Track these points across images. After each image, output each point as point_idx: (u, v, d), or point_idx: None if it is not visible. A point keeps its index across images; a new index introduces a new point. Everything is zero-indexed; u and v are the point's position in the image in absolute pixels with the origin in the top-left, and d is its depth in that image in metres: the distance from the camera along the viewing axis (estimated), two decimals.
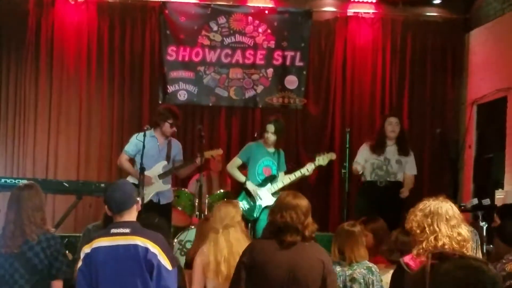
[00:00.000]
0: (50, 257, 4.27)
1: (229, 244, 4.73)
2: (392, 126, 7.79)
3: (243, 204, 7.40)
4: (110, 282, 3.91)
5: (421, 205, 3.53)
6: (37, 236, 4.28)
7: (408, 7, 9.78)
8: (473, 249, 4.07)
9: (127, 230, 3.96)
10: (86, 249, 3.96)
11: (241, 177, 7.60)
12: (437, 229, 3.38)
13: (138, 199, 4.13)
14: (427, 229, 3.40)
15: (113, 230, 3.99)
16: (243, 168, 7.69)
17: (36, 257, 4.25)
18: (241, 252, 4.81)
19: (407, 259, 3.45)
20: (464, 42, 9.78)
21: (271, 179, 7.49)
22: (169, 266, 3.91)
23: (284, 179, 7.52)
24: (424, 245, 3.38)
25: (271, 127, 7.50)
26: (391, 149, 7.79)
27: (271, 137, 7.48)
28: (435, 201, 3.50)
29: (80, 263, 3.96)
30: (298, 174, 7.54)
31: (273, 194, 7.32)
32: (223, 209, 4.94)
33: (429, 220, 3.42)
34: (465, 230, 3.40)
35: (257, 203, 7.40)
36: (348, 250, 4.76)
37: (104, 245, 3.94)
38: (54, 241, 4.33)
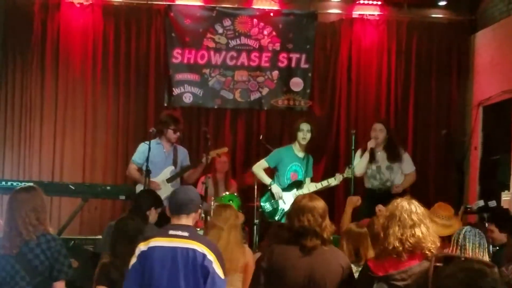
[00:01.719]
0: (51, 259, 4.28)
1: (228, 242, 4.92)
2: (375, 132, 7.80)
3: (265, 206, 7.42)
4: (163, 282, 3.94)
5: (386, 208, 3.53)
6: (36, 236, 4.28)
7: (413, 9, 9.78)
8: (474, 251, 4.05)
9: (186, 234, 4.00)
10: (142, 247, 3.99)
11: (266, 179, 7.63)
12: (390, 232, 3.37)
13: (200, 210, 4.18)
14: (382, 233, 3.41)
15: (171, 232, 4.02)
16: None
17: (37, 259, 4.25)
18: (235, 251, 4.93)
19: (370, 262, 3.47)
20: (469, 43, 9.77)
21: (298, 184, 7.52)
22: (222, 275, 3.96)
23: (310, 187, 7.53)
24: (380, 248, 3.39)
25: (306, 125, 7.55)
26: (380, 156, 7.82)
27: (307, 135, 7.52)
28: (396, 202, 3.50)
29: (134, 260, 3.99)
30: (325, 183, 7.60)
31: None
32: (227, 210, 5.14)
33: (386, 223, 3.42)
34: (422, 230, 3.37)
35: (280, 206, 7.41)
36: (363, 250, 4.84)
37: (162, 245, 3.97)
38: (54, 242, 4.33)
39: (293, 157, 7.62)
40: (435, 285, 2.47)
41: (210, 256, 3.94)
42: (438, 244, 3.46)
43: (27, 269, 4.24)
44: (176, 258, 3.93)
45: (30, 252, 4.25)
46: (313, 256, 3.88)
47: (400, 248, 3.32)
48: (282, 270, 3.87)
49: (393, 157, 7.78)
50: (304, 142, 7.63)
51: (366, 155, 7.75)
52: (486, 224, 6.64)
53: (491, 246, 6.34)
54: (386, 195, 7.60)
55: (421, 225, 3.38)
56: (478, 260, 2.57)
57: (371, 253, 4.86)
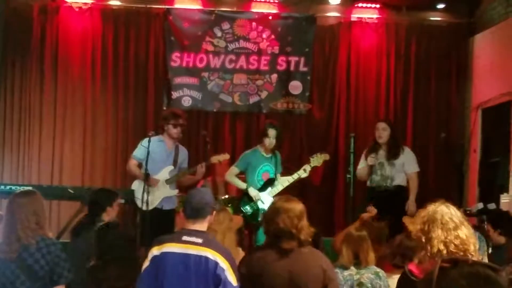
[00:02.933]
0: (51, 263, 4.26)
1: (223, 245, 4.87)
2: (378, 131, 7.81)
3: (246, 210, 7.42)
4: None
5: (421, 213, 3.50)
6: (35, 240, 4.27)
7: (412, 12, 9.78)
8: (478, 253, 4.05)
9: (200, 241, 3.98)
10: (155, 251, 3.99)
11: (241, 184, 7.61)
12: (432, 235, 3.33)
13: (213, 210, 4.16)
14: (423, 237, 3.36)
15: (185, 238, 4.01)
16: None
17: (37, 264, 4.23)
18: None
19: (411, 266, 3.43)
20: (468, 46, 9.78)
21: (271, 182, 7.52)
22: (234, 282, 3.92)
23: (283, 182, 7.54)
24: (423, 253, 3.35)
25: (272, 132, 7.50)
26: (383, 154, 7.80)
27: (271, 141, 7.49)
28: (432, 206, 3.47)
29: (146, 264, 3.99)
30: (296, 176, 7.57)
31: (274, 197, 7.34)
32: (221, 213, 5.15)
33: (426, 227, 3.38)
34: (464, 232, 3.34)
35: (260, 207, 7.41)
36: (362, 254, 4.80)
37: (175, 251, 3.97)
38: (54, 246, 4.31)
39: (260, 159, 7.60)
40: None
41: (223, 263, 3.93)
42: (478, 246, 3.43)
43: (28, 274, 4.22)
44: (188, 265, 3.93)
45: (30, 257, 4.24)
46: (292, 259, 3.82)
47: (445, 252, 3.26)
48: (261, 275, 3.82)
49: (394, 154, 7.76)
50: (270, 147, 7.58)
51: (368, 165, 7.77)
52: (486, 227, 6.66)
53: (490, 248, 6.36)
54: (386, 195, 7.63)
55: (463, 227, 3.36)
56: (485, 265, 2.49)
57: (371, 257, 4.85)
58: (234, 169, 7.69)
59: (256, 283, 3.83)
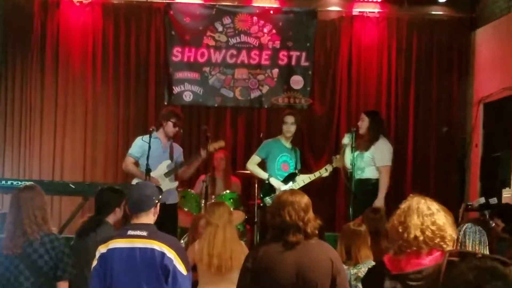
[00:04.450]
0: (55, 258, 4.26)
1: (225, 239, 4.97)
2: (359, 122, 7.73)
3: (267, 200, 7.44)
4: (124, 284, 3.93)
5: (398, 209, 3.48)
6: (40, 235, 4.26)
7: (413, 6, 9.75)
8: (474, 248, 4.03)
9: (144, 233, 3.97)
10: (102, 249, 3.98)
11: (263, 174, 7.66)
12: (409, 223, 3.32)
13: (157, 202, 4.13)
14: (400, 227, 3.34)
15: (130, 232, 4.00)
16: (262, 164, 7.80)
17: (41, 259, 4.23)
18: (234, 248, 4.95)
19: (386, 257, 3.41)
20: (470, 40, 9.75)
21: (292, 177, 7.58)
22: (184, 271, 3.95)
23: (304, 179, 7.58)
24: (398, 244, 3.33)
25: (290, 118, 7.65)
26: (360, 144, 7.62)
27: (291, 127, 7.61)
28: (408, 199, 3.46)
29: (95, 262, 3.98)
30: (317, 174, 7.67)
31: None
32: (221, 207, 5.23)
33: (402, 217, 3.37)
34: (442, 219, 3.32)
35: None
36: (354, 249, 4.76)
37: (121, 247, 3.97)
38: (58, 242, 4.32)
39: (281, 148, 7.72)
40: (445, 282, 2.39)
41: (170, 253, 3.92)
42: (455, 236, 3.40)
43: (32, 269, 4.23)
44: (135, 259, 3.92)
45: (35, 252, 4.24)
46: (299, 251, 3.77)
47: (421, 238, 3.23)
48: (268, 269, 3.78)
49: (364, 145, 7.57)
50: (288, 135, 7.71)
51: (347, 150, 7.62)
52: (490, 221, 6.63)
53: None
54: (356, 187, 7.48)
55: (440, 214, 3.33)
56: (495, 258, 2.45)
57: (362, 253, 4.80)
58: (255, 158, 7.78)
59: (263, 277, 3.79)
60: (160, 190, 4.34)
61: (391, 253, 3.37)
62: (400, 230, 3.32)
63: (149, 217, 4.08)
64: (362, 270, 4.69)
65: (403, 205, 3.41)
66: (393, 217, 3.40)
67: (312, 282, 3.75)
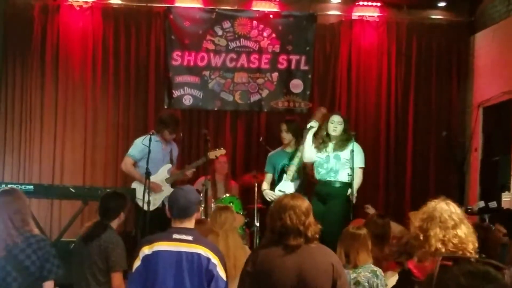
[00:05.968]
0: (42, 258, 4.29)
1: (227, 247, 4.97)
2: (334, 124, 7.51)
3: None
4: (168, 286, 3.97)
5: (421, 210, 3.47)
6: (23, 237, 4.28)
7: (413, 10, 9.78)
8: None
9: (190, 238, 4.04)
10: (146, 250, 4.02)
11: (276, 194, 7.57)
12: (431, 233, 3.30)
13: (200, 207, 4.20)
14: (421, 235, 3.33)
15: (175, 236, 4.05)
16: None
17: (29, 259, 4.26)
18: (238, 256, 4.94)
19: (410, 264, 3.40)
20: (469, 45, 9.77)
21: (284, 170, 7.64)
22: (224, 277, 4.03)
23: (293, 160, 7.65)
24: (422, 251, 3.32)
25: (283, 126, 7.79)
26: (331, 147, 7.52)
27: (285, 135, 7.73)
28: (432, 203, 3.44)
29: (138, 263, 4.01)
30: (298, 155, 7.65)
31: (292, 180, 7.60)
32: (223, 214, 5.16)
33: (424, 225, 3.35)
34: (464, 230, 3.31)
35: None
36: (353, 253, 4.75)
37: (166, 250, 4.01)
38: (44, 242, 4.35)
39: (282, 156, 7.85)
40: (438, 286, 2.39)
41: (214, 259, 4.01)
42: (476, 245, 3.39)
43: (19, 270, 4.24)
44: (181, 263, 3.98)
45: (22, 252, 4.26)
46: (300, 255, 3.76)
47: (443, 250, 3.23)
48: (268, 272, 3.76)
49: (341, 146, 7.45)
50: (285, 142, 7.84)
51: (309, 138, 7.52)
52: (493, 226, 6.62)
53: None
54: (328, 189, 7.42)
55: (462, 225, 3.32)
56: (488, 262, 2.45)
57: (361, 257, 4.78)
58: (267, 176, 7.93)
59: (263, 281, 3.78)
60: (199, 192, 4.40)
61: (415, 260, 3.36)
62: (422, 238, 3.30)
63: (192, 222, 4.17)
64: (362, 274, 4.68)
65: (426, 210, 3.39)
66: (416, 222, 3.38)
67: (313, 286, 3.74)
